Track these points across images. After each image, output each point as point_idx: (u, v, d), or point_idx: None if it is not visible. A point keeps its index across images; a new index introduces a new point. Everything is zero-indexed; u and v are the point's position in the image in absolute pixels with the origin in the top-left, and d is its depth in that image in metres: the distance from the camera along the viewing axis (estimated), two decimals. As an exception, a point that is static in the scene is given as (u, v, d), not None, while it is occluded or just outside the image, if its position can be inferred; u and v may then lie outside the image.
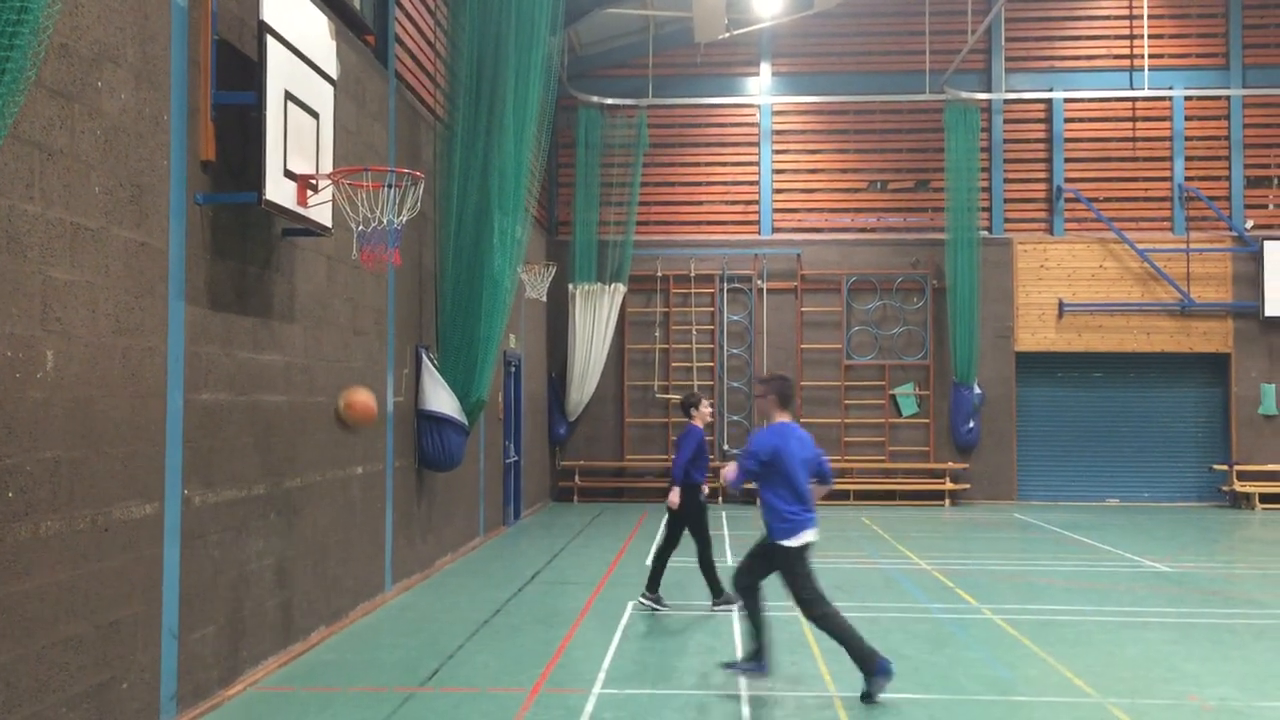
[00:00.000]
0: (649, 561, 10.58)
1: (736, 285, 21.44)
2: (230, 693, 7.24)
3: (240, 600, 7.50)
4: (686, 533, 10.34)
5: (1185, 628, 9.67)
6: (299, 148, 7.46)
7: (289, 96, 7.29)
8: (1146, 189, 21.32)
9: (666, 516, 10.41)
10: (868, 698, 7.18)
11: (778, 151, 21.67)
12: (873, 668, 7.18)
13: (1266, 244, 20.54)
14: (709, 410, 10.57)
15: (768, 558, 7.55)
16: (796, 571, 7.41)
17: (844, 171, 21.68)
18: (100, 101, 5.79)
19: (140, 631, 6.16)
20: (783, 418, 7.70)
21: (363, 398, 7.88)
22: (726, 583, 10.42)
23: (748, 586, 7.68)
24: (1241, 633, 9.48)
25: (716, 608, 10.29)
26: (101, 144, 5.79)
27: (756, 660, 7.64)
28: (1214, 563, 13.78)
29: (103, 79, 5.81)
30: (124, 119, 6.02)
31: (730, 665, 7.80)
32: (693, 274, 21.37)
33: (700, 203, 21.78)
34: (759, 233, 21.54)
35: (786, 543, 7.38)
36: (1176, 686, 7.67)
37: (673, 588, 11.53)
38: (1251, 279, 20.76)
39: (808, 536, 7.43)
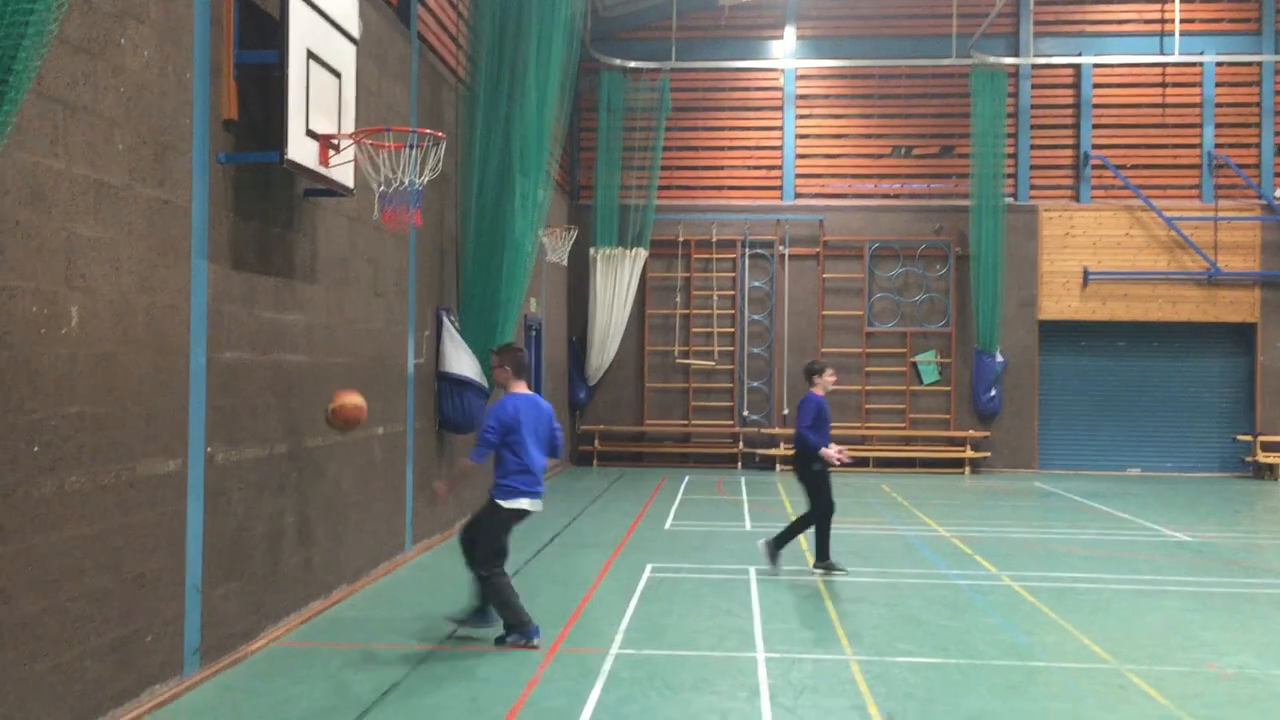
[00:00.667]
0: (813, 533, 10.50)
1: (758, 251, 21.36)
2: (253, 647, 7.33)
3: (263, 557, 7.58)
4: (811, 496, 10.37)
5: (1205, 597, 9.64)
6: (321, 107, 7.45)
7: (311, 56, 7.27)
8: (1175, 156, 21.06)
9: (805, 485, 10.35)
10: (500, 640, 7.64)
11: (801, 116, 21.50)
12: (524, 630, 7.59)
13: (1296, 213, 20.30)
14: (831, 378, 10.55)
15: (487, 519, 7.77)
16: (493, 529, 7.71)
17: (868, 136, 21.50)
18: (123, 58, 5.79)
19: (164, 586, 6.24)
20: (519, 388, 7.90)
21: (353, 400, 7.91)
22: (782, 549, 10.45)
23: (496, 570, 7.75)
24: (1262, 602, 9.45)
25: (765, 545, 10.35)
26: (125, 101, 5.80)
27: (480, 615, 7.84)
28: (1235, 533, 13.72)
29: (126, 36, 5.81)
30: (147, 76, 6.02)
31: (459, 619, 7.90)
32: (714, 239, 21.29)
33: (722, 167, 21.67)
34: (781, 198, 21.42)
35: (501, 502, 7.65)
36: (1195, 654, 7.66)
37: (692, 551, 11.60)
38: (1280, 248, 20.54)
39: (524, 504, 7.69)
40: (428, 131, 8.08)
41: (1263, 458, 20.32)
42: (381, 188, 8.04)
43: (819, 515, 10.30)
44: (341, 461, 9.07)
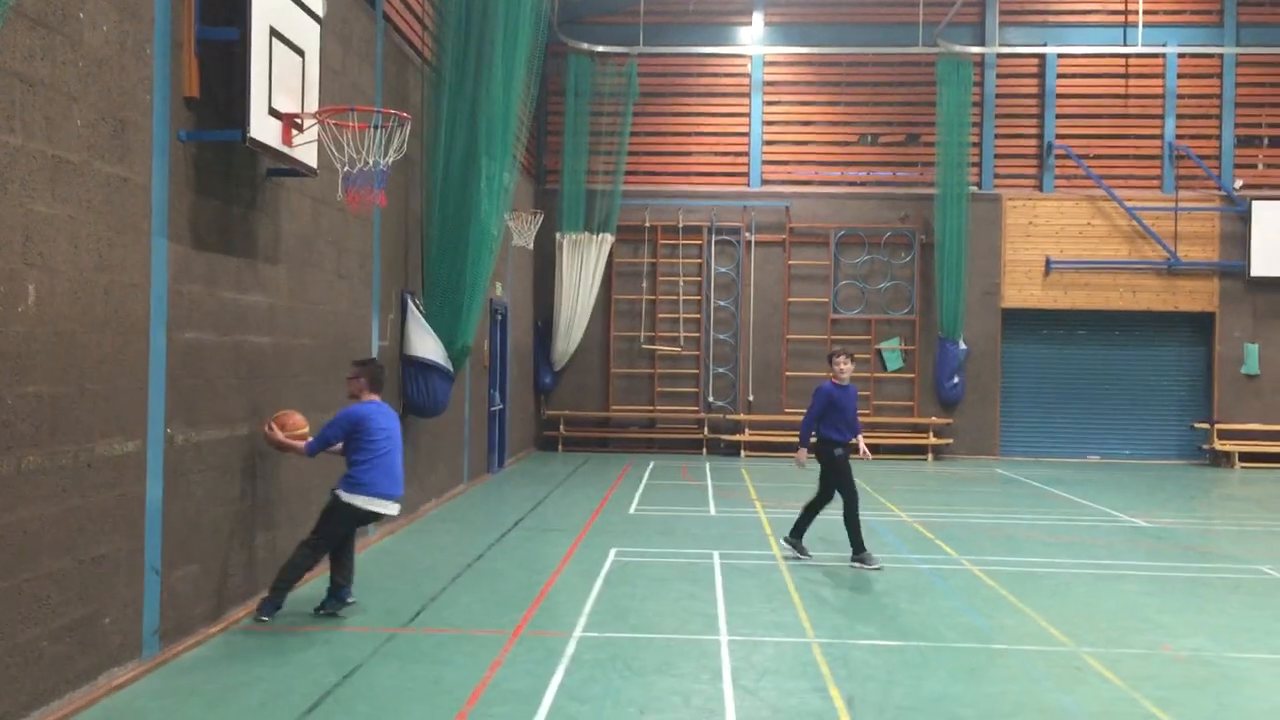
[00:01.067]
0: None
1: (724, 237, 21.38)
2: (213, 630, 7.28)
3: (224, 539, 7.52)
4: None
5: (1161, 581, 9.78)
6: (284, 86, 7.38)
7: (274, 33, 7.20)
8: (1137, 147, 21.27)
9: (819, 471, 10.31)
10: (326, 610, 7.87)
11: (768, 103, 21.53)
12: (272, 601, 7.70)
13: (1255, 204, 20.55)
14: (843, 366, 10.25)
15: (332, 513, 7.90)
16: (333, 521, 7.83)
17: (835, 124, 21.56)
18: (82, 33, 5.70)
19: (123, 567, 6.17)
20: (371, 398, 8.11)
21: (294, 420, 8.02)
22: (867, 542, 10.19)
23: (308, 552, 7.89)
24: (1217, 586, 9.60)
25: (854, 563, 10.01)
26: (83, 76, 5.71)
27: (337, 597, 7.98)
28: (1192, 519, 13.92)
29: (85, 10, 5.72)
30: (106, 51, 5.93)
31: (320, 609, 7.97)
32: (681, 225, 21.29)
33: (689, 153, 21.66)
34: (748, 184, 21.44)
35: (346, 497, 7.80)
36: (1150, 637, 7.77)
37: (656, 536, 11.63)
38: (1239, 238, 20.79)
39: (367, 503, 7.84)
40: (392, 112, 8.02)
41: (1219, 445, 20.61)
42: (345, 168, 7.97)
43: (819, 499, 10.29)
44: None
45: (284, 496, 8.60)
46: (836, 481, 10.20)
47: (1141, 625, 8.11)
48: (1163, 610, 8.60)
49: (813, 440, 10.26)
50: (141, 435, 6.35)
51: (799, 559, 10.29)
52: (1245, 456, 20.51)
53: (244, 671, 6.55)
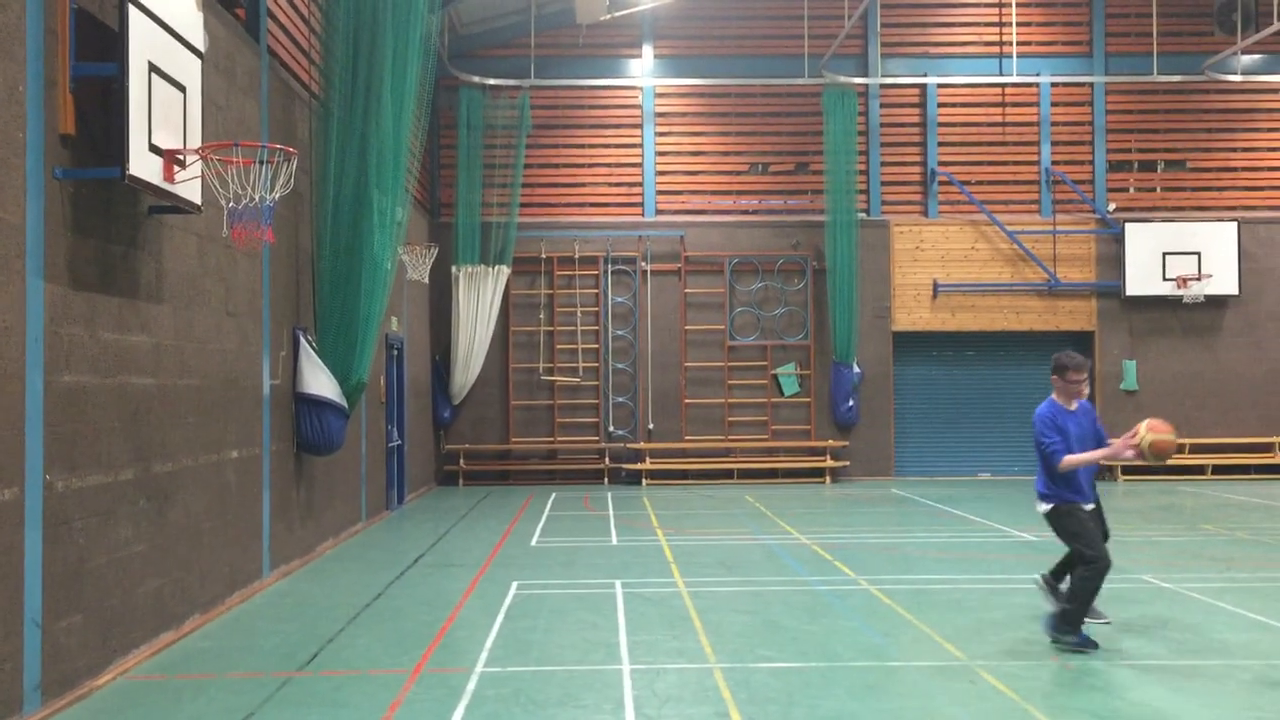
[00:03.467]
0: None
1: (620, 267, 21.50)
2: (99, 682, 7.04)
3: (109, 588, 7.29)
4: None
5: (1050, 592, 10.05)
6: (165, 122, 7.25)
7: (153, 69, 7.07)
8: (1015, 172, 22.01)
9: None
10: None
11: (660, 133, 21.76)
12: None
13: (1128, 226, 21.39)
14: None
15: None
16: (1073, 524, 8.34)
17: (726, 154, 21.88)
18: (-52, 70, 5.54)
19: (1, 621, 5.94)
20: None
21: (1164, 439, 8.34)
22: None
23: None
24: (1101, 596, 9.86)
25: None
26: (-50, 114, 5.54)
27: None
28: (1078, 531, 14.33)
29: (-49, 46, 5.56)
30: (-25, 89, 5.77)
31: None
32: (577, 256, 21.35)
33: (584, 184, 21.76)
34: (643, 214, 21.61)
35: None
36: (1041, 648, 7.99)
37: (558, 567, 11.59)
38: (1114, 259, 21.62)
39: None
40: (278, 147, 7.94)
41: (1103, 459, 21.28)
42: (231, 204, 7.85)
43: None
44: (193, 487, 8.79)
45: (173, 540, 8.37)
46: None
47: (1031, 638, 8.33)
48: (1051, 621, 8.83)
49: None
50: (19, 483, 6.14)
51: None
52: (1126, 470, 21.26)
53: (132, 724, 6.35)
